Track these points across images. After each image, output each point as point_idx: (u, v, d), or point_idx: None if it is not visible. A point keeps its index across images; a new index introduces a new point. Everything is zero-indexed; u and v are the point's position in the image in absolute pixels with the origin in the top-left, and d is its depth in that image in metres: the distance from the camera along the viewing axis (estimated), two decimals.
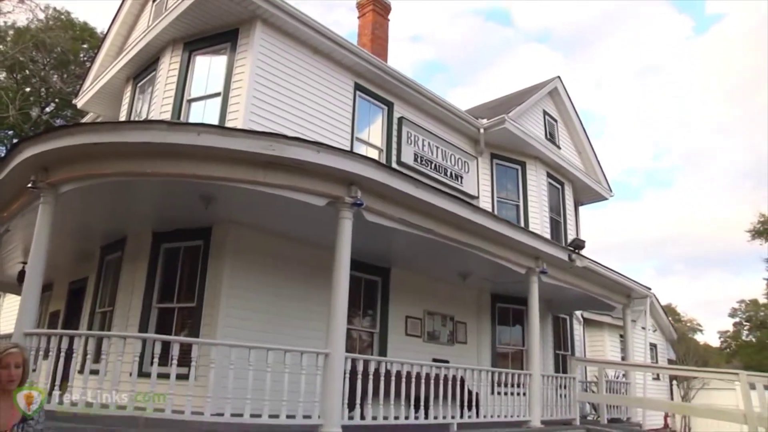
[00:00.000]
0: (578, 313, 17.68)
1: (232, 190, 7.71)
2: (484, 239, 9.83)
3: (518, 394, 10.57)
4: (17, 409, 3.74)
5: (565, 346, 16.69)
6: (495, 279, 12.94)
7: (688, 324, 58.70)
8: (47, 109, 32.60)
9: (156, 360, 6.88)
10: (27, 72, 30.31)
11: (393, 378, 8.38)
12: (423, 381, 8.73)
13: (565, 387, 12.13)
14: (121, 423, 6.64)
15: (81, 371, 7.76)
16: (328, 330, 7.53)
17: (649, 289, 15.24)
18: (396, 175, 8.03)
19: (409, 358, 9.67)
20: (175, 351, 6.91)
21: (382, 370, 8.24)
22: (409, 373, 8.54)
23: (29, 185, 7.89)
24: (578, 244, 11.88)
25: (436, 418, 8.86)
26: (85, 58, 31.32)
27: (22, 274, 14.22)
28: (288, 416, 6.99)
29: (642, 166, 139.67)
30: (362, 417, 7.73)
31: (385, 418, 8.03)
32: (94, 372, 7.47)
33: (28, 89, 31.04)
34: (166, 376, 6.86)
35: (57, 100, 32.06)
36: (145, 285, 10.02)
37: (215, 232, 9.63)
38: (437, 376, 8.96)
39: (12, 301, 18.11)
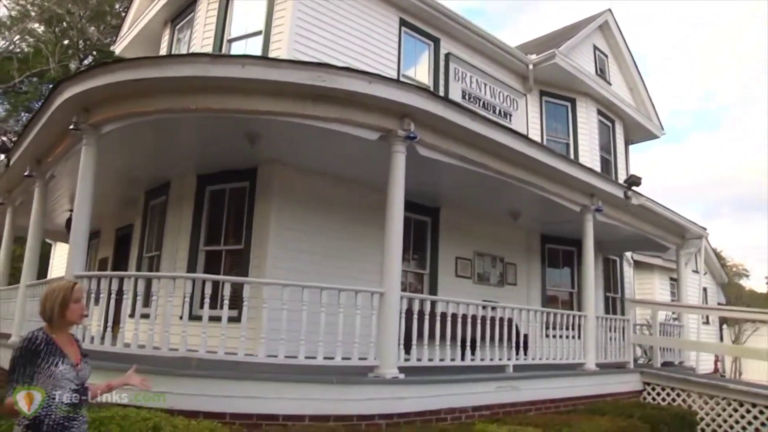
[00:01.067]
0: (628, 254, 17.19)
1: (279, 126, 7.42)
2: (538, 175, 9.41)
3: (568, 337, 10.25)
4: (76, 344, 3.67)
5: (614, 288, 16.30)
6: (546, 219, 12.60)
7: (734, 269, 57.46)
8: (85, 62, 32.53)
9: (206, 302, 6.72)
10: (64, 24, 30.16)
11: (449, 319, 8.12)
12: (479, 322, 8.47)
13: (617, 330, 11.76)
14: (173, 364, 6.53)
15: (132, 315, 7.71)
16: (382, 269, 7.29)
17: (705, 229, 14.67)
18: (451, 106, 7.63)
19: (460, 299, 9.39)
20: (226, 291, 6.72)
21: (438, 311, 7.97)
22: (464, 315, 8.28)
23: (71, 127, 7.71)
24: (634, 181, 11.38)
25: (492, 360, 8.61)
26: (121, 9, 31.05)
27: (69, 222, 14.29)
28: (343, 358, 6.79)
29: (689, 108, 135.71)
30: (418, 359, 7.51)
31: (441, 359, 7.80)
32: (145, 316, 7.36)
33: (66, 42, 30.94)
34: (217, 318, 6.74)
35: (95, 52, 31.95)
36: (191, 228, 9.89)
37: (261, 172, 9.40)
38: (492, 318, 8.68)
39: (62, 250, 18.27)
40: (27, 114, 27.20)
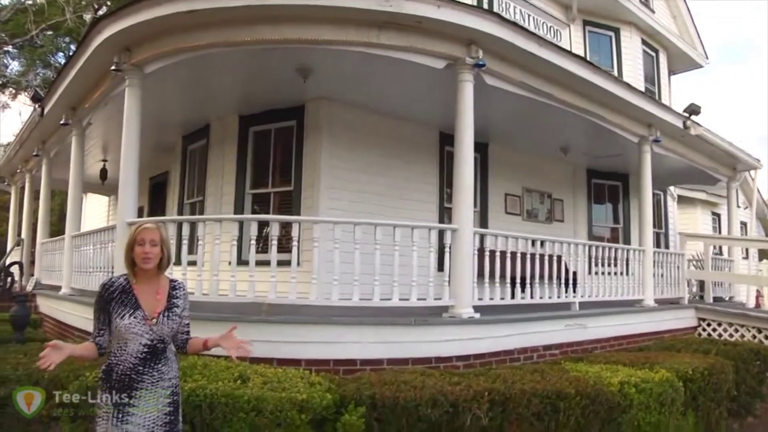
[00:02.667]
0: (671, 189, 16.73)
1: (336, 58, 7.04)
2: (600, 104, 8.97)
3: (614, 273, 9.88)
4: (163, 294, 3.38)
5: (659, 223, 15.89)
6: (596, 152, 12.18)
7: None
8: (99, 12, 31.81)
9: (252, 245, 6.51)
10: None
11: (508, 256, 7.81)
12: (546, 259, 8.16)
13: (671, 265, 11.41)
14: (218, 309, 6.35)
15: (178, 263, 7.42)
16: (453, 204, 6.99)
17: (758, 161, 14.12)
18: (520, 32, 7.13)
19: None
20: (275, 231, 6.46)
21: (498, 248, 7.63)
22: (523, 253, 7.98)
23: (112, 68, 7.34)
24: (694, 110, 10.83)
25: (559, 297, 8.34)
26: None
27: (104, 172, 14.03)
28: (419, 298, 6.51)
29: (744, 30, 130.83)
30: (491, 297, 7.22)
31: (512, 297, 7.54)
32: (192, 263, 7.05)
33: None
34: (266, 263, 6.45)
35: (109, 2, 31.22)
36: (235, 171, 9.58)
37: (309, 110, 9.00)
38: (549, 256, 8.30)
39: (94, 202, 18.07)
40: (44, 69, 26.78)
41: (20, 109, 29.81)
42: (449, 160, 10.52)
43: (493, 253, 7.40)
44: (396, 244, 6.46)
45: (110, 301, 3.28)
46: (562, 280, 8.58)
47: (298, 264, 6.44)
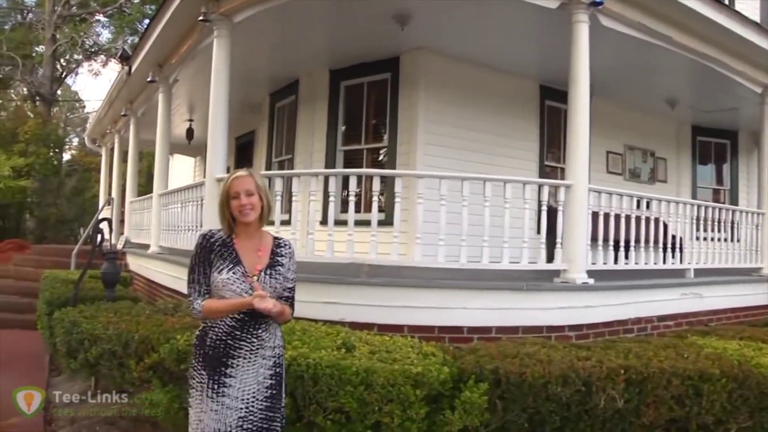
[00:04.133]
0: None
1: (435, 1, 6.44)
2: (721, 48, 8.04)
3: (719, 239, 8.98)
4: (265, 251, 3.03)
5: None
6: (706, 106, 11.18)
7: None
8: None
9: (352, 201, 6.08)
10: None
11: (623, 217, 7.13)
12: (652, 222, 7.43)
13: None
14: (314, 270, 5.94)
15: (270, 223, 7.08)
16: (567, 158, 6.45)
17: None
18: None
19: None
20: (376, 185, 6.02)
21: (612, 207, 6.97)
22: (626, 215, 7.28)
23: (200, 19, 7.00)
24: None
25: (673, 263, 7.63)
26: None
27: (190, 132, 13.93)
28: (530, 262, 5.97)
29: None
30: (604, 262, 6.62)
31: (627, 261, 6.90)
32: (285, 222, 6.67)
33: None
34: (364, 222, 6.12)
35: None
36: (326, 128, 9.20)
37: (404, 62, 8.48)
38: (647, 219, 7.53)
39: (180, 163, 18.14)
40: (132, 36, 27.14)
41: (110, 77, 30.41)
42: (550, 116, 9.93)
43: (595, 214, 6.81)
44: (507, 202, 5.92)
45: (210, 251, 2.97)
46: (667, 245, 7.85)
47: (398, 223, 5.96)
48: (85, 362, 4.91)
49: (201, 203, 7.22)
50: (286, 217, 6.86)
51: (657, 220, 7.51)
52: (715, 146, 13.25)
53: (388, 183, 7.14)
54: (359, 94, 9.05)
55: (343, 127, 9.17)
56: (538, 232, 6.42)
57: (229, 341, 2.92)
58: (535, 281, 5.99)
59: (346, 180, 6.61)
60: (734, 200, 13.08)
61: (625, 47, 7.34)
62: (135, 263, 10.36)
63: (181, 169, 18.26)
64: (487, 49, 8.32)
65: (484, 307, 5.53)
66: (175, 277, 7.81)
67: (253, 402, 2.92)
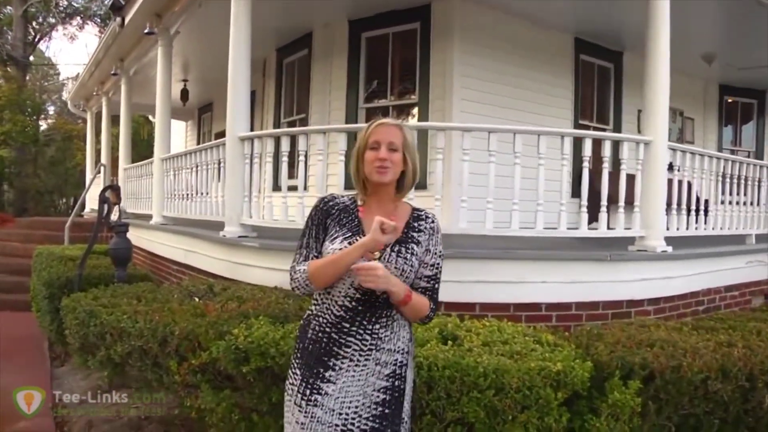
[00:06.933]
0: None
1: None
2: None
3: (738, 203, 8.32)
4: (398, 223, 2.22)
5: None
6: (743, 62, 10.46)
7: None
8: None
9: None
10: None
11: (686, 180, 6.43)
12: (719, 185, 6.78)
13: None
14: None
15: (277, 188, 6.32)
16: (645, 111, 5.69)
17: None
18: None
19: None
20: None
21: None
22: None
23: None
24: None
25: (737, 228, 6.97)
26: None
27: (185, 93, 12.97)
28: (608, 227, 5.26)
29: None
30: (677, 227, 5.93)
31: (696, 227, 6.24)
32: (293, 188, 5.86)
33: None
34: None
35: None
36: (346, 84, 8.35)
37: (436, 10, 7.60)
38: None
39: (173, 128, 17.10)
40: None
41: (87, 41, 28.84)
42: (585, 71, 9.24)
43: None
44: (564, 159, 5.16)
45: (328, 215, 2.32)
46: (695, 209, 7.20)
47: (439, 186, 5.17)
48: (107, 360, 3.99)
49: (219, 166, 6.40)
50: (294, 182, 5.90)
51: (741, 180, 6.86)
52: (742, 106, 12.65)
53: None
54: (383, 46, 8.19)
55: (365, 84, 8.31)
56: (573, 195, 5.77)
57: (333, 335, 2.21)
58: (599, 251, 5.28)
59: None
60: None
61: None
62: (134, 235, 9.41)
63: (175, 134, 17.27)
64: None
65: (565, 280, 4.83)
66: (187, 251, 7.01)
67: (354, 419, 2.18)
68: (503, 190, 5.05)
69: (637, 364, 2.93)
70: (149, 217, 8.72)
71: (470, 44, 7.63)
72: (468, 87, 7.57)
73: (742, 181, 7.05)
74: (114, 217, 9.73)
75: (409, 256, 2.24)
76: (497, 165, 5.04)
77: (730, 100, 12.42)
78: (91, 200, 14.05)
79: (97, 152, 15.10)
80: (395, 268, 2.20)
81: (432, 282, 2.33)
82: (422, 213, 2.39)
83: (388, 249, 2.21)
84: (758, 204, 7.34)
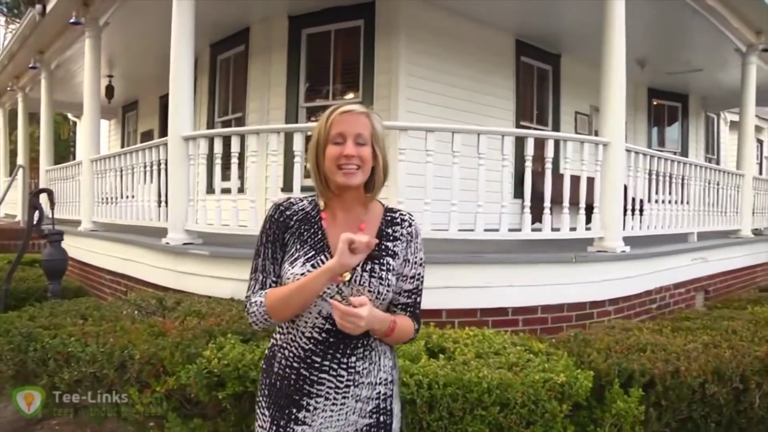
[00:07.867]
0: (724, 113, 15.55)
1: None
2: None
3: (673, 201, 8.56)
4: (370, 231, 1.88)
5: (711, 148, 14.78)
6: (672, 67, 10.85)
7: None
8: None
9: None
10: None
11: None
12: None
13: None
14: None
15: (211, 191, 6.04)
16: (601, 114, 5.95)
17: None
18: None
19: None
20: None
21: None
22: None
23: None
24: None
25: (681, 227, 7.10)
26: None
27: (110, 89, 12.33)
28: (571, 229, 5.20)
29: None
30: (632, 227, 5.96)
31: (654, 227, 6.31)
32: (226, 191, 5.54)
33: None
34: None
35: None
36: (286, 83, 8.06)
37: (380, 7, 7.41)
38: None
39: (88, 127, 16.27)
40: None
41: None
42: (525, 73, 9.29)
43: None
44: (505, 159, 5.06)
45: (286, 229, 1.88)
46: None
47: (403, 189, 4.98)
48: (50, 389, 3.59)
49: (160, 168, 6.01)
50: (227, 185, 5.57)
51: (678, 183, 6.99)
52: (668, 109, 13.16)
53: None
54: (325, 43, 7.94)
55: (306, 82, 8.05)
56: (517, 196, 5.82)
57: (303, 371, 1.83)
58: (558, 252, 5.24)
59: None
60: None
61: None
62: None
63: (88, 134, 16.45)
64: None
65: (531, 283, 4.74)
66: (124, 260, 6.57)
67: None
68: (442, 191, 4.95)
69: (636, 371, 2.82)
70: (77, 222, 8.20)
71: (417, 43, 7.49)
72: (414, 86, 7.43)
73: (686, 181, 7.21)
74: (35, 221, 9.15)
75: (384, 274, 1.85)
76: (435, 165, 4.89)
77: (656, 103, 12.85)
78: (7, 204, 13.19)
79: (11, 153, 14.23)
80: (369, 291, 1.82)
81: (414, 296, 1.96)
82: (396, 216, 1.99)
83: (359, 268, 1.83)
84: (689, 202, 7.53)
